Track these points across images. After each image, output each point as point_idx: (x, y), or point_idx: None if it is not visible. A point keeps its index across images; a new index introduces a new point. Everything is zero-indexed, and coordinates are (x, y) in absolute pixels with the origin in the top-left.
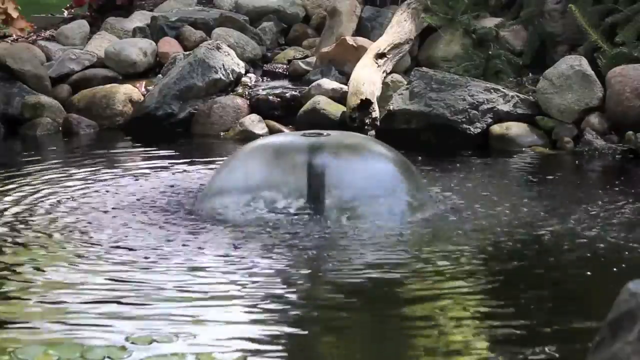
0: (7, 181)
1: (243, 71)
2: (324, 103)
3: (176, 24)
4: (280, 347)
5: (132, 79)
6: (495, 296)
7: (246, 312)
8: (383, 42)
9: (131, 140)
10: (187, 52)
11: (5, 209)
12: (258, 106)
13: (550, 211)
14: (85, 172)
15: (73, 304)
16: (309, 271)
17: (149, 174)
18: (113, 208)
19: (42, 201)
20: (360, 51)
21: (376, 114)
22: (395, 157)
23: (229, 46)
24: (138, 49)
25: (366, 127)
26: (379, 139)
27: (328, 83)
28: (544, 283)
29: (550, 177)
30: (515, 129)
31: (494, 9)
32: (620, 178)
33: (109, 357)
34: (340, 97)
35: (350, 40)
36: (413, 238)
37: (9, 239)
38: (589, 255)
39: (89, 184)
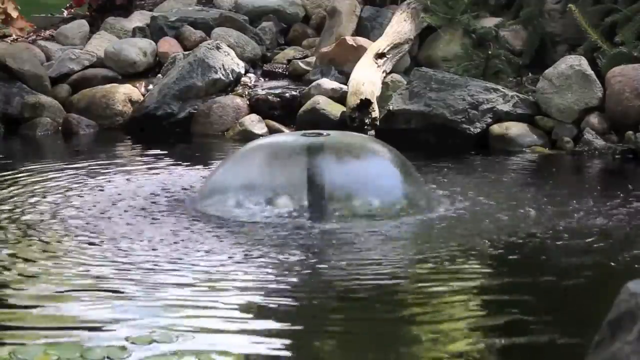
0: (6, 181)
1: (243, 71)
2: (323, 103)
3: (176, 23)
4: (280, 347)
5: (131, 79)
6: (494, 296)
7: (246, 311)
8: (383, 42)
9: (131, 140)
10: (187, 52)
11: (4, 209)
12: (258, 106)
13: (550, 211)
14: (85, 171)
15: (73, 303)
16: (309, 271)
17: (148, 173)
18: (112, 208)
19: (42, 201)
20: (360, 51)
21: (376, 113)
22: (395, 157)
23: (228, 46)
24: (138, 49)
25: (366, 127)
26: (378, 139)
27: (328, 83)
28: (543, 283)
29: (550, 177)
30: (515, 128)
31: (493, 9)
32: (619, 178)
33: (109, 357)
34: (340, 97)
35: (350, 40)
36: (413, 238)
37: (8, 239)
38: (588, 255)
39: (87, 183)
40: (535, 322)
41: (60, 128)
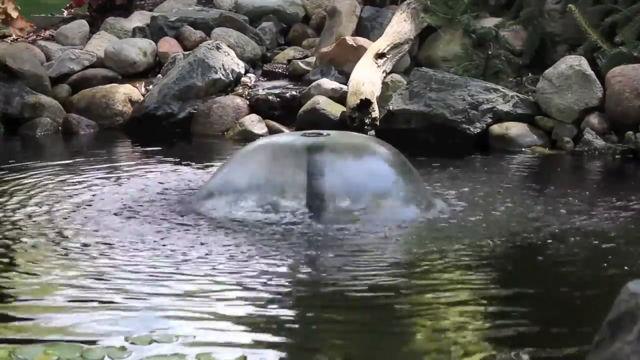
0: (5, 181)
1: (243, 71)
2: (323, 103)
3: (176, 24)
4: (280, 348)
5: (131, 79)
6: (495, 297)
7: (246, 312)
8: (383, 42)
9: (131, 140)
10: (187, 52)
11: (4, 210)
12: (258, 106)
13: (550, 211)
14: (85, 172)
15: (73, 303)
16: (309, 272)
17: (149, 173)
18: (112, 208)
19: (42, 201)
20: (360, 51)
21: (376, 114)
22: (395, 157)
23: (228, 46)
24: (138, 49)
25: (366, 127)
26: (378, 139)
27: (328, 83)
28: (543, 284)
29: (550, 177)
30: (515, 129)
31: (493, 9)
32: (619, 178)
33: (109, 357)
34: (340, 97)
35: (350, 40)
36: (413, 239)
37: (8, 239)
38: (588, 255)
39: (88, 184)
40: (535, 321)
41: (60, 128)
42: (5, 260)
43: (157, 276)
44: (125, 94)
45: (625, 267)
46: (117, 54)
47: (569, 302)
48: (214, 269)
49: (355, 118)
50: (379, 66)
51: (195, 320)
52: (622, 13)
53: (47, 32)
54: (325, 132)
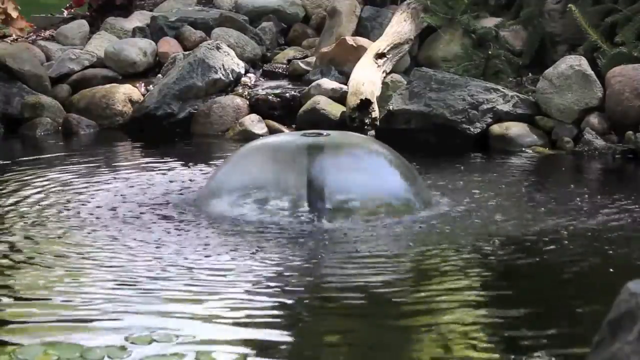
0: (5, 181)
1: (243, 71)
2: (323, 103)
3: (176, 24)
4: (279, 348)
5: (131, 79)
6: (495, 297)
7: (246, 312)
8: (383, 42)
9: (131, 140)
10: (187, 52)
11: (4, 210)
12: (258, 106)
13: (550, 212)
14: (85, 172)
15: (72, 303)
16: (308, 272)
17: (148, 173)
18: (112, 207)
19: (42, 201)
20: (360, 51)
21: (376, 114)
22: (395, 158)
23: (228, 46)
24: (138, 49)
25: (366, 127)
26: (378, 139)
27: (328, 83)
28: (543, 284)
29: (550, 177)
30: (515, 129)
31: (493, 9)
32: (619, 178)
33: (108, 357)
34: (340, 97)
35: (350, 40)
36: (413, 239)
37: (8, 239)
38: (588, 255)
39: (88, 183)
40: (535, 321)
41: (60, 128)
42: (5, 259)
43: (157, 275)
44: (125, 94)
45: (626, 267)
46: (117, 54)
47: (568, 303)
48: (214, 268)
49: (355, 118)
50: (379, 66)
51: (195, 320)
52: (622, 13)
53: (47, 32)
54: (325, 132)
